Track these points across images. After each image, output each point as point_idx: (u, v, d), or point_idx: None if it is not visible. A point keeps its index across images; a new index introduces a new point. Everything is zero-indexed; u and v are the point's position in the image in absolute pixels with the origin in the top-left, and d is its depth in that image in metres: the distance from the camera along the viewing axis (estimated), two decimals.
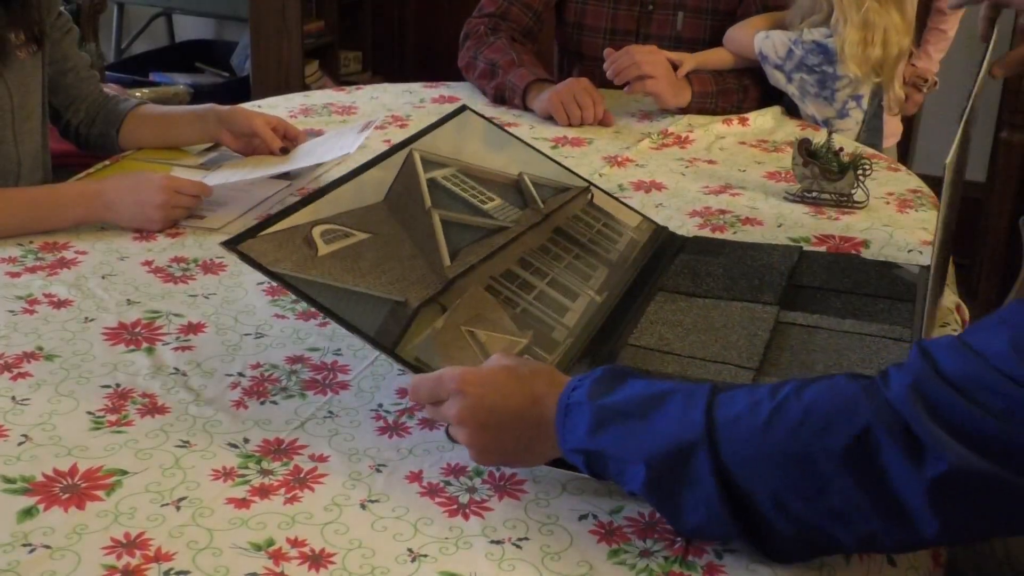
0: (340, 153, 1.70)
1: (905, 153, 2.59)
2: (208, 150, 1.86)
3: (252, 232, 1.09)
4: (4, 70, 1.60)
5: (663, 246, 1.47)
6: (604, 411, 0.90)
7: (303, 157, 1.75)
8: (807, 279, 1.39)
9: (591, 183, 1.51)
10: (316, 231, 1.13)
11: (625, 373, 0.95)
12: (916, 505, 0.80)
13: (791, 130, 2.11)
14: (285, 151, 1.79)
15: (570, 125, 2.10)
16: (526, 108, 2.18)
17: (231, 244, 1.06)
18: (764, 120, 2.16)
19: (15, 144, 1.64)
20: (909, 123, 3.27)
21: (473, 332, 1.12)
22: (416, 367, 1.03)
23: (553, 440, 0.93)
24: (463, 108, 1.48)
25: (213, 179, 1.67)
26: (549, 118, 2.13)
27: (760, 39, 2.15)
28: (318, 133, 1.96)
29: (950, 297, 1.39)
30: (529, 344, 1.15)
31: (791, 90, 2.16)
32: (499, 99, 2.23)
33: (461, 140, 1.42)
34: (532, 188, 1.41)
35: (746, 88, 2.21)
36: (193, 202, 1.57)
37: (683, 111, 2.18)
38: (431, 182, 1.30)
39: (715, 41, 2.25)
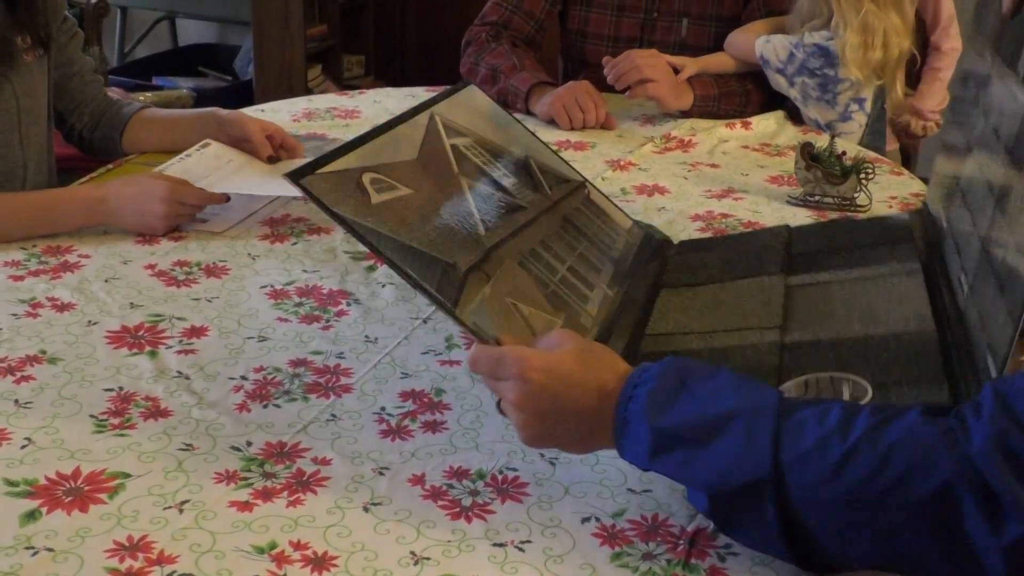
0: (275, 192, 1.65)
1: (908, 157, 2.59)
2: None
3: (311, 168, 1.04)
4: (11, 74, 1.60)
5: (656, 251, 1.45)
6: (663, 436, 0.88)
7: (263, 182, 1.71)
8: (802, 247, 1.38)
9: (586, 179, 1.50)
10: (366, 178, 1.08)
11: (680, 378, 0.90)
12: (992, 562, 0.78)
13: (794, 134, 2.11)
14: (276, 160, 1.78)
15: (572, 128, 2.10)
16: (528, 112, 2.18)
17: (294, 177, 1.01)
18: (767, 124, 2.16)
19: (21, 147, 1.65)
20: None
21: (516, 305, 1.09)
22: (475, 332, 1.00)
23: (610, 437, 0.91)
24: (468, 82, 1.44)
25: (198, 168, 1.68)
26: (551, 121, 2.13)
27: (761, 44, 2.15)
28: (321, 137, 1.96)
29: None
30: (563, 325, 1.12)
31: (793, 94, 2.16)
32: (501, 104, 2.22)
33: (471, 114, 1.37)
34: (539, 173, 1.38)
35: (749, 92, 2.21)
36: (196, 211, 1.57)
37: (685, 114, 2.18)
38: (454, 148, 1.25)
39: (719, 48, 2.25)
